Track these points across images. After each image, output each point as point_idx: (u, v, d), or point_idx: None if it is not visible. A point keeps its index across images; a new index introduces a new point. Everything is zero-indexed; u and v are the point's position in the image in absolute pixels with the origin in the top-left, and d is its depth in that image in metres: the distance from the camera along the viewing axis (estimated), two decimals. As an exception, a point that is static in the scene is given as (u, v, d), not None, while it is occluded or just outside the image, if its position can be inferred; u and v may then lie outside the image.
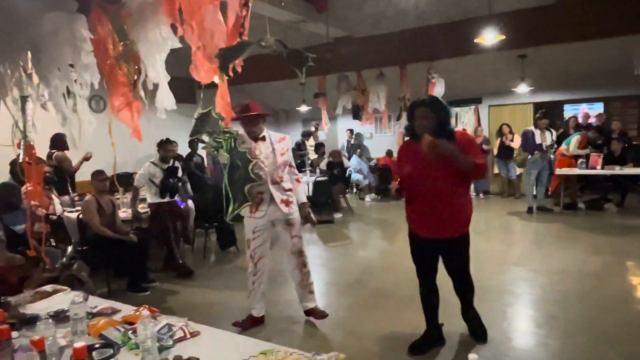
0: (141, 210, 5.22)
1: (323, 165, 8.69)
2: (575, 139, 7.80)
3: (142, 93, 2.59)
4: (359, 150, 10.69)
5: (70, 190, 6.06)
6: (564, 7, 5.88)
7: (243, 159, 2.31)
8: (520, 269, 4.88)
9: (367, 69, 8.27)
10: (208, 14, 2.27)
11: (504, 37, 5.52)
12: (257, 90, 12.07)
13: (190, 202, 5.76)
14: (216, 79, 2.43)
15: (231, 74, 2.33)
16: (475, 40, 5.67)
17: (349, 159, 10.91)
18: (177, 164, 5.17)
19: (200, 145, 3.21)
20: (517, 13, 5.95)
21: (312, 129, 11.07)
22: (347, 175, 9.79)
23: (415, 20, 6.66)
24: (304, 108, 10.67)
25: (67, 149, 5.83)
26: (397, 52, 7.35)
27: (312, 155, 10.01)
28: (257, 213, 3.31)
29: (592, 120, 9.63)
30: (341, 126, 12.62)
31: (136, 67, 2.55)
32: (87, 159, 6.10)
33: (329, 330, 3.56)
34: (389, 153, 10.91)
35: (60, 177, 5.90)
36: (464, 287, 3.16)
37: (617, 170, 7.34)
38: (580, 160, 7.60)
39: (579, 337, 3.24)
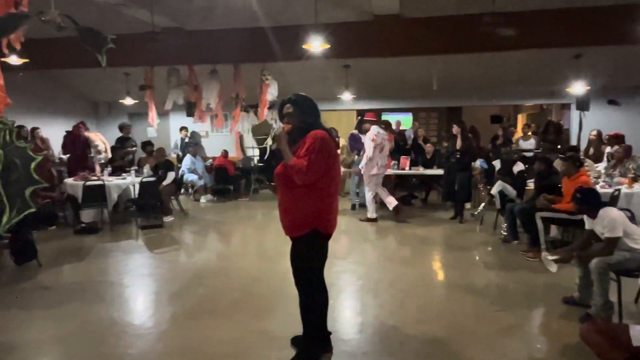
0: None
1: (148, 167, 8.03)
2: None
3: None
4: (191, 149, 10.20)
5: None
6: (379, 25, 6.54)
7: (23, 156, 1.87)
8: (343, 261, 5.23)
9: (200, 64, 7.94)
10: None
11: (328, 46, 5.87)
12: (71, 78, 10.61)
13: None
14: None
15: (6, 50, 1.88)
16: (304, 47, 5.90)
17: (182, 158, 10.33)
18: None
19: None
20: (341, 25, 6.40)
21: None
22: (179, 176, 9.25)
23: (247, 20, 6.61)
24: (129, 101, 9.73)
25: None
26: (230, 50, 7.21)
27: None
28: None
29: (403, 128, 11.00)
30: (174, 123, 11.89)
31: None
32: None
33: (148, 346, 3.24)
34: (225, 153, 10.69)
35: None
36: (301, 302, 2.93)
37: (421, 170, 8.53)
38: (393, 162, 8.60)
39: (388, 321, 3.59)
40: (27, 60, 6.21)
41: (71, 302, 4.04)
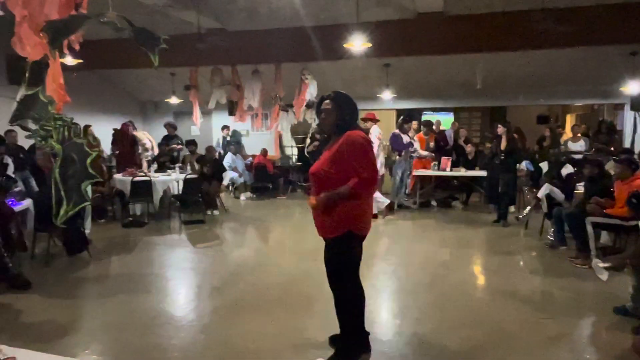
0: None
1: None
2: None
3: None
4: (232, 147, 10.42)
5: None
6: (422, 23, 6.44)
7: (80, 151, 1.97)
8: (381, 262, 5.20)
9: (242, 64, 8.09)
10: (37, -23, 1.89)
11: (370, 45, 5.83)
12: (120, 77, 11.07)
13: (27, 201, 4.95)
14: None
15: (66, 51, 1.98)
16: (345, 46, 5.89)
17: (223, 156, 10.58)
18: (6, 159, 4.37)
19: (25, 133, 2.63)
20: (382, 23, 6.34)
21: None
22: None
23: (289, 20, 6.68)
24: (174, 100, 10.05)
25: None
26: (272, 50, 7.31)
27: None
28: None
29: (442, 127, 10.77)
30: (216, 122, 12.18)
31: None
32: None
33: (191, 338, 3.34)
34: (264, 152, 10.85)
35: None
36: (336, 303, 2.90)
37: (463, 172, 8.33)
38: (433, 163, 8.44)
39: (428, 324, 3.53)
40: (81, 60, 6.53)
41: (119, 293, 4.23)
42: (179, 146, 9.47)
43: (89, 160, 1.98)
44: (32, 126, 1.91)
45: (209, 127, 12.39)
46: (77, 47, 2.14)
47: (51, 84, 1.99)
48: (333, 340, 3.11)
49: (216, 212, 8.05)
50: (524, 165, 8.04)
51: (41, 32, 1.79)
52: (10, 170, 4.36)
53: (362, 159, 2.65)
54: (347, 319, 2.91)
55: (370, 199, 2.89)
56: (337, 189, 2.67)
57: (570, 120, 13.33)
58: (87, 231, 5.73)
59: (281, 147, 11.87)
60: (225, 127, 11.24)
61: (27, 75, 1.97)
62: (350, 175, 2.66)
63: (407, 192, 8.97)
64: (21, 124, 1.96)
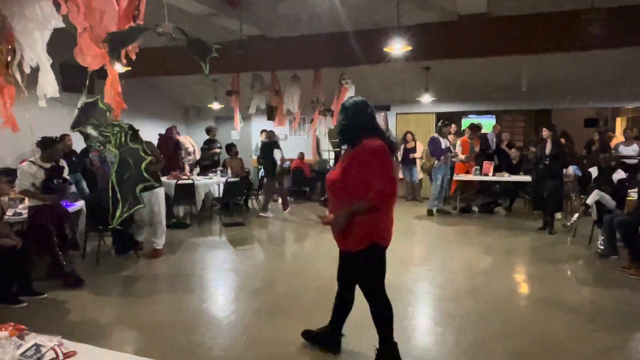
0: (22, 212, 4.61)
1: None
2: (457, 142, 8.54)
3: (18, 77, 2.27)
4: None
5: None
6: (464, 25, 6.32)
7: (135, 155, 2.08)
8: (420, 269, 5.12)
9: (282, 70, 8.21)
10: (97, -9, 2.02)
11: (410, 48, 5.78)
12: (164, 84, 11.45)
13: (80, 203, 5.21)
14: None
15: (124, 61, 2.10)
16: (385, 50, 5.87)
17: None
18: (62, 162, 4.61)
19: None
20: (423, 27, 6.27)
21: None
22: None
23: (329, 26, 6.73)
24: (216, 106, 10.31)
25: None
26: (311, 55, 7.38)
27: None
28: None
29: (484, 131, 10.51)
30: (255, 126, 12.40)
31: (10, 46, 2.22)
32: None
33: (233, 338, 3.42)
34: (301, 156, 10.95)
35: None
36: (372, 312, 2.88)
37: (506, 177, 8.09)
38: (475, 167, 8.26)
39: (471, 333, 3.45)
40: (129, 68, 6.83)
41: (164, 292, 4.39)
42: (218, 150, 9.71)
43: (143, 165, 2.09)
44: (91, 132, 2.03)
45: (248, 132, 12.63)
46: (133, 56, 2.26)
47: (109, 92, 2.11)
48: (307, 336, 3.20)
49: (269, 214, 8.27)
50: (571, 170, 7.71)
51: (102, 43, 1.91)
52: (65, 173, 4.60)
53: (378, 170, 2.56)
54: (384, 326, 2.89)
55: (392, 210, 2.78)
56: (351, 202, 2.62)
57: (620, 123, 12.68)
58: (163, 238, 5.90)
59: (318, 151, 11.94)
60: (263, 132, 11.41)
61: (87, 83, 2.11)
62: (365, 185, 2.59)
63: (447, 196, 8.82)
64: (81, 130, 2.10)
